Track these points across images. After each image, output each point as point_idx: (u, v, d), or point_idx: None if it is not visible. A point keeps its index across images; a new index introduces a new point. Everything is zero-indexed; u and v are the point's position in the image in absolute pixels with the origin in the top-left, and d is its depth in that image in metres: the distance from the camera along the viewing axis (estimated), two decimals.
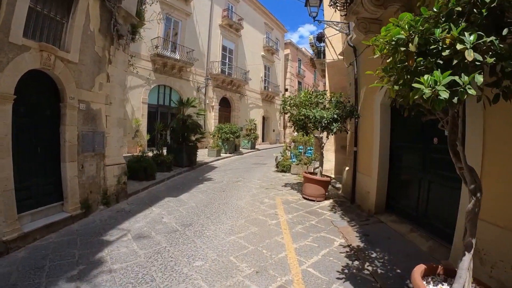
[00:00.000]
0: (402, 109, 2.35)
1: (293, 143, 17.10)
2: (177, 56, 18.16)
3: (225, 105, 22.92)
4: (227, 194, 7.16)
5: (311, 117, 6.31)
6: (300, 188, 8.08)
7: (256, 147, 22.96)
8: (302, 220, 5.40)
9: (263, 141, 28.71)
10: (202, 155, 15.77)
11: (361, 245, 4.26)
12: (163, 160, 10.27)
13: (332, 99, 6.94)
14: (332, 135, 6.35)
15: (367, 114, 6.27)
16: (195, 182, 8.87)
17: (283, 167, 10.79)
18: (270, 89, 28.56)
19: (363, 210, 6.24)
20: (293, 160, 11.27)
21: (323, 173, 10.26)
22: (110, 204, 6.30)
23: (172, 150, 11.69)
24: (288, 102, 7.43)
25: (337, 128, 6.19)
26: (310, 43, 13.37)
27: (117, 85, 6.85)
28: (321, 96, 7.10)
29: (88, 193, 5.64)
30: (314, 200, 6.69)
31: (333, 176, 10.33)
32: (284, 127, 34.26)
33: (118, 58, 6.80)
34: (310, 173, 7.54)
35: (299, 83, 38.12)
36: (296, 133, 12.15)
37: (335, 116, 6.19)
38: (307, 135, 7.50)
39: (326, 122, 6.19)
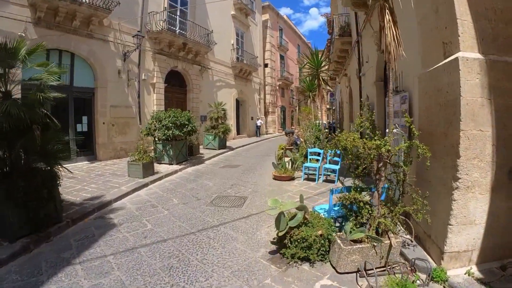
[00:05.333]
0: None
1: (297, 140, 9.63)
2: None
3: (176, 82, 14.95)
4: None
5: None
6: None
7: (228, 144, 15.34)
8: None
9: (238, 133, 21.07)
10: (121, 173, 8.15)
11: None
12: None
13: None
14: None
15: None
16: None
17: (301, 247, 3.16)
18: (245, 61, 20.69)
19: None
20: (334, 212, 3.71)
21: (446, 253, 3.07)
22: None
23: None
24: None
25: None
26: None
27: None
28: None
29: None
30: None
31: (474, 270, 3.07)
32: (266, 113, 26.65)
33: None
34: None
35: (281, 57, 30.49)
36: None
37: None
38: None
39: None
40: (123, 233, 4.44)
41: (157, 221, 4.79)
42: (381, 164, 2.92)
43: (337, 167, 6.83)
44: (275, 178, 7.20)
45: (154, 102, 13.05)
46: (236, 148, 15.06)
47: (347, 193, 3.16)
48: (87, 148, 10.88)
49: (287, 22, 33.14)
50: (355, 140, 2.84)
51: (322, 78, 7.61)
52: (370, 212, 3.08)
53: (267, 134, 26.03)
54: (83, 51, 10.38)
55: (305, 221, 3.11)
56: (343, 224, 3.65)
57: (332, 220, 3.42)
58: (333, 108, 30.78)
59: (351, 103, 11.92)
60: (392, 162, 2.98)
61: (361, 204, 3.02)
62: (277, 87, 29.06)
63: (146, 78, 12.70)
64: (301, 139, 9.38)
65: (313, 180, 7.22)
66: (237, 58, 19.98)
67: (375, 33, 6.24)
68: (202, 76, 16.15)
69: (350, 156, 3.00)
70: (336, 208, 3.55)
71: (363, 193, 3.39)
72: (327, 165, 7.01)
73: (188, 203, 5.58)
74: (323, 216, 3.39)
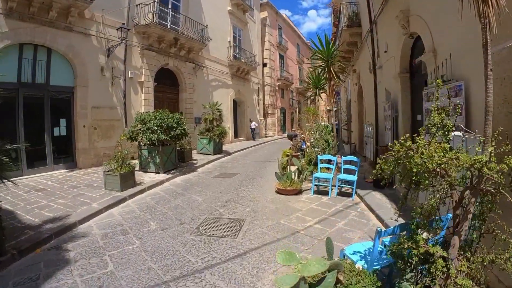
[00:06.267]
0: None
1: (303, 144, 8.39)
2: None
3: (168, 81, 13.73)
4: None
5: None
6: None
7: (225, 148, 14.15)
8: None
9: (235, 136, 19.83)
10: (98, 185, 6.97)
11: None
12: None
13: None
14: None
15: None
16: None
17: None
18: (243, 60, 19.49)
19: None
20: None
21: None
22: None
23: None
24: None
25: None
26: None
27: None
28: None
29: None
30: None
31: None
32: (265, 115, 25.44)
33: None
34: None
35: (281, 56, 29.34)
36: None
37: None
38: None
39: None
40: (74, 277, 3.21)
41: (123, 258, 3.54)
42: (468, 192, 1.69)
43: (354, 177, 5.60)
44: (279, 191, 5.96)
45: (142, 102, 11.81)
46: (233, 152, 13.82)
47: (407, 241, 1.91)
48: (66, 154, 9.66)
49: (286, 20, 32.01)
50: (445, 155, 1.59)
51: (334, 71, 6.38)
52: (445, 269, 1.84)
53: (266, 136, 24.80)
54: (61, 45, 9.18)
55: (338, 285, 1.89)
56: (386, 274, 2.42)
57: (375, 274, 2.18)
58: (335, 109, 29.56)
59: (361, 102, 10.70)
60: (491, 187, 1.73)
61: (437, 260, 1.79)
62: (277, 88, 27.88)
63: (133, 76, 11.46)
64: (307, 143, 8.16)
65: (325, 193, 5.98)
66: (234, 56, 18.79)
67: (402, 12, 5.05)
68: (196, 75, 14.92)
69: (426, 181, 1.73)
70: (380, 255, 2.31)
71: (419, 230, 2.14)
72: (342, 176, 5.77)
73: (168, 229, 4.32)
74: (361, 268, 2.16)
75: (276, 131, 26.93)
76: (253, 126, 21.26)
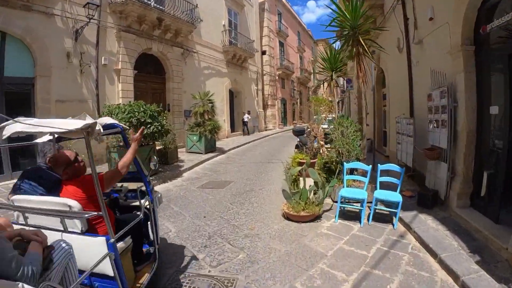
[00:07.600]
0: None
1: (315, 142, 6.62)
2: None
3: (152, 69, 11.88)
4: None
5: None
6: None
7: (220, 145, 12.46)
8: None
9: (232, 130, 18.03)
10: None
11: None
12: None
13: None
14: None
15: None
16: None
17: None
18: (239, 45, 17.52)
19: None
20: None
21: None
22: None
23: None
24: None
25: None
26: None
27: None
28: None
29: None
30: None
31: None
32: (265, 107, 23.57)
33: None
34: None
35: (281, 44, 27.33)
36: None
37: None
38: None
39: None
40: None
41: None
42: None
43: (399, 198, 3.83)
44: (288, 217, 4.18)
45: (119, 94, 10.01)
46: (229, 150, 12.06)
47: None
48: (28, 158, 7.94)
49: (286, 6, 29.86)
50: None
51: (364, 42, 4.47)
52: None
53: (266, 130, 23.00)
54: (17, 28, 7.46)
55: None
56: None
57: None
58: (337, 100, 27.54)
59: (380, 91, 8.91)
60: None
61: None
62: (277, 77, 25.95)
63: (108, 63, 9.63)
64: (321, 142, 6.36)
65: (353, 217, 4.19)
66: (230, 42, 16.82)
67: None
68: (185, 62, 13.03)
69: None
70: None
71: None
72: (381, 194, 3.94)
73: None
74: None
75: (276, 124, 25.11)
76: (246, 119, 18.62)
